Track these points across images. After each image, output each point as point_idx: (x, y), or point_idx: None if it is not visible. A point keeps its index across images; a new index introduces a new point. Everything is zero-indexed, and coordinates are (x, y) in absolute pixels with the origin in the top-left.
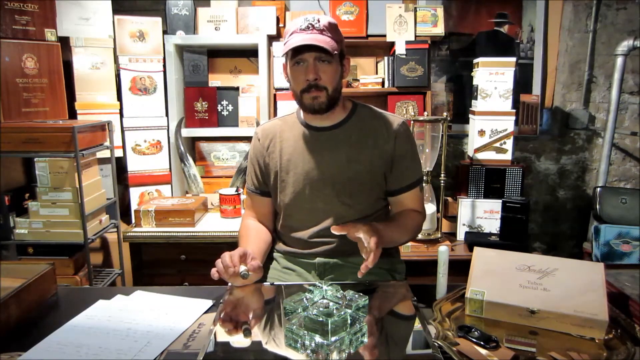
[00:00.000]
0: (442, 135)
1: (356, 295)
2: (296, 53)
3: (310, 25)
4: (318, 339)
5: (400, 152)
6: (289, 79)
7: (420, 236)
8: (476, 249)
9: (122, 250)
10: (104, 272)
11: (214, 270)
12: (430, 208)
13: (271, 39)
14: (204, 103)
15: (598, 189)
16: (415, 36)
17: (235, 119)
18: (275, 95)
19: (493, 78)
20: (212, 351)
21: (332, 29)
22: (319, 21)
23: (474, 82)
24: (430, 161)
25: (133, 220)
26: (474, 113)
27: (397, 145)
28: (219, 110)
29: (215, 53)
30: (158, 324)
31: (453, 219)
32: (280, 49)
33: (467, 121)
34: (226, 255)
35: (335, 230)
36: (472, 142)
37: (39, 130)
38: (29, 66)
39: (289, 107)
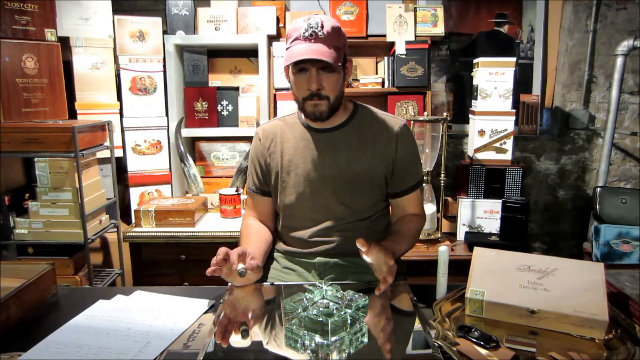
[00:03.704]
0: (442, 135)
1: (356, 295)
2: (299, 61)
3: (313, 33)
4: (318, 339)
5: (402, 155)
6: (291, 84)
7: (420, 236)
8: (476, 249)
9: (122, 250)
10: (104, 272)
11: (209, 270)
12: (430, 208)
13: (271, 39)
14: (204, 103)
15: (598, 189)
16: (415, 36)
17: (235, 119)
18: (275, 95)
19: (493, 78)
20: (212, 351)
21: (335, 35)
22: (322, 27)
23: (474, 82)
24: (430, 161)
25: (133, 220)
26: (474, 113)
27: (399, 148)
28: (219, 110)
29: (215, 53)
30: (158, 324)
31: (453, 219)
32: (280, 48)
33: (467, 121)
34: (222, 249)
35: (359, 244)
36: (472, 142)
37: (39, 130)
38: (29, 66)
39: (289, 107)
